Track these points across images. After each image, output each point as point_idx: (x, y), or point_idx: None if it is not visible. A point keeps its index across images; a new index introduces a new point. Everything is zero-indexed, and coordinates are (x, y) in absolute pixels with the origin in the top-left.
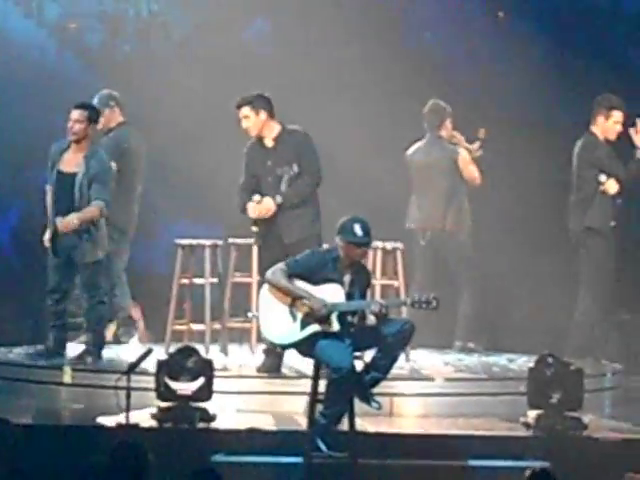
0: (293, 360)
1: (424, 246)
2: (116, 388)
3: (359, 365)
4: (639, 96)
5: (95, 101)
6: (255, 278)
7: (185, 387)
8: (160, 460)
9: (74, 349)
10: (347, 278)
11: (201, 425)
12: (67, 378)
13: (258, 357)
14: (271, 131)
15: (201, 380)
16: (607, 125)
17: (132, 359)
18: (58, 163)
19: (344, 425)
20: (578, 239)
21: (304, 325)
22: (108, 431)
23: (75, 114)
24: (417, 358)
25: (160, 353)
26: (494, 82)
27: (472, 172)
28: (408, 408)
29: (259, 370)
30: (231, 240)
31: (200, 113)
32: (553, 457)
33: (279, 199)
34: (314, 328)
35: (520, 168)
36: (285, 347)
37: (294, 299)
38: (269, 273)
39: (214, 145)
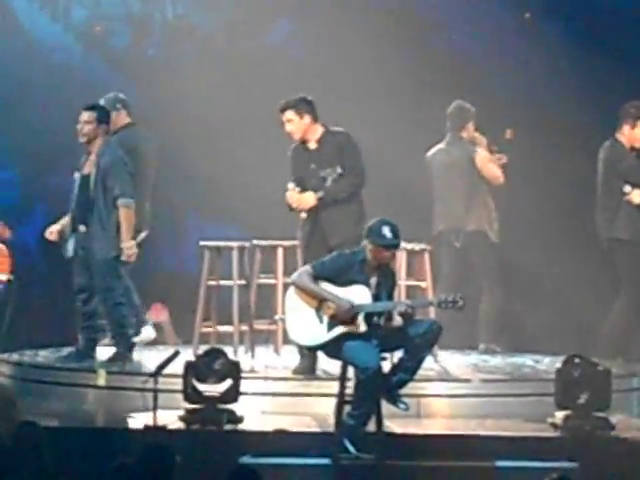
0: (320, 362)
1: (450, 247)
2: (143, 390)
3: (386, 366)
4: None
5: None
6: (280, 280)
7: (212, 389)
8: (187, 462)
9: (104, 352)
10: (374, 280)
11: (228, 427)
12: (102, 381)
13: (284, 359)
14: (314, 134)
15: (228, 382)
16: (634, 134)
17: (159, 361)
18: (81, 169)
19: (372, 426)
20: (608, 246)
21: (331, 327)
22: (136, 433)
23: (84, 116)
24: (443, 359)
25: (187, 355)
26: (521, 83)
27: (492, 171)
28: (435, 409)
29: (295, 372)
30: (255, 242)
31: (226, 114)
32: (581, 458)
33: (320, 194)
34: (341, 330)
35: (547, 168)
36: (312, 349)
37: (320, 301)
38: (295, 275)
39: (240, 147)
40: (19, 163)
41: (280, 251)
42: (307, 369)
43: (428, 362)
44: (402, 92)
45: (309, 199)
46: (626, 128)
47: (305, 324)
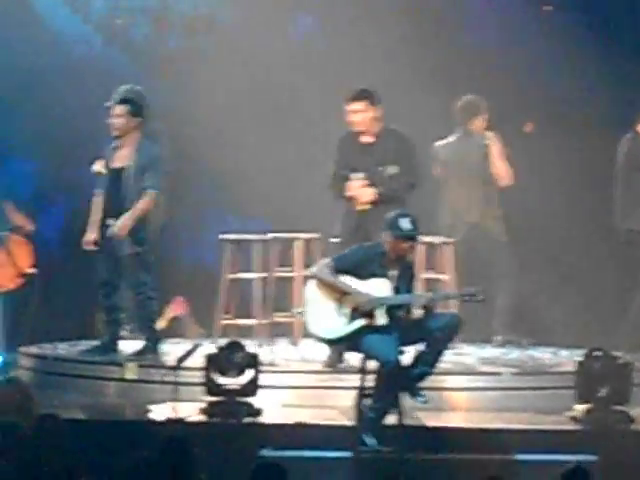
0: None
1: (459, 241)
2: (164, 383)
3: (406, 359)
4: None
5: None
6: (299, 273)
7: (232, 382)
8: (208, 454)
9: (129, 345)
10: (394, 273)
11: (248, 420)
12: (130, 374)
13: (303, 351)
14: (374, 127)
15: (248, 375)
16: None
17: (180, 354)
18: (110, 162)
19: (392, 419)
20: (627, 239)
21: (351, 320)
22: (156, 426)
23: (116, 110)
24: (463, 352)
25: (207, 348)
26: (539, 77)
27: (501, 168)
28: (455, 402)
29: (325, 365)
30: (271, 235)
31: (245, 108)
32: (601, 451)
33: (380, 189)
34: (361, 322)
35: (566, 162)
36: (332, 342)
37: (341, 294)
38: (316, 268)
39: (260, 140)
40: (39, 155)
41: (298, 244)
42: (338, 360)
43: (448, 355)
44: (420, 88)
45: (369, 192)
46: None
47: (325, 317)
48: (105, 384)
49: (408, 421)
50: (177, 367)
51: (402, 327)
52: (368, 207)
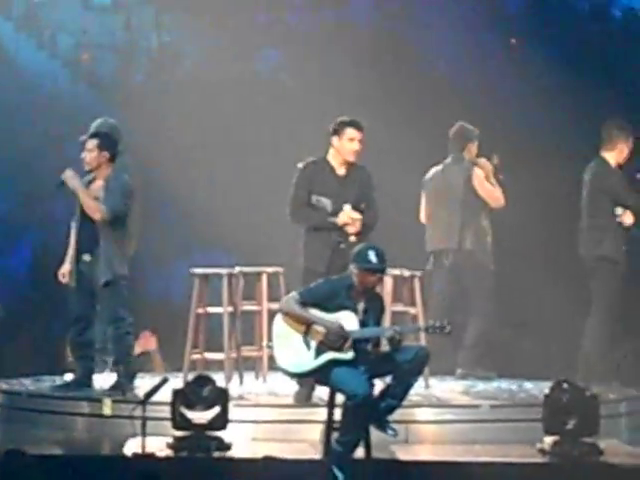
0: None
1: (446, 269)
2: (132, 418)
3: (375, 393)
4: None
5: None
6: (265, 306)
7: (201, 416)
8: None
9: (103, 380)
10: (361, 306)
11: (217, 454)
12: (107, 410)
13: (270, 385)
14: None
15: (216, 409)
16: (625, 152)
17: (148, 389)
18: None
19: (360, 453)
20: (591, 266)
21: (319, 353)
22: (125, 460)
23: (88, 144)
24: (432, 385)
25: (176, 382)
26: (507, 107)
27: (489, 191)
28: (424, 435)
29: (295, 399)
30: (239, 269)
31: (212, 142)
32: None
33: (364, 217)
34: (329, 356)
35: (534, 192)
36: (300, 376)
37: (308, 326)
38: (283, 301)
39: (227, 173)
40: (6, 191)
41: (264, 277)
42: (306, 396)
43: (417, 388)
44: (389, 119)
45: (359, 218)
46: (620, 146)
47: (293, 351)
48: (73, 419)
49: (377, 454)
50: (145, 402)
51: (370, 360)
52: (354, 239)
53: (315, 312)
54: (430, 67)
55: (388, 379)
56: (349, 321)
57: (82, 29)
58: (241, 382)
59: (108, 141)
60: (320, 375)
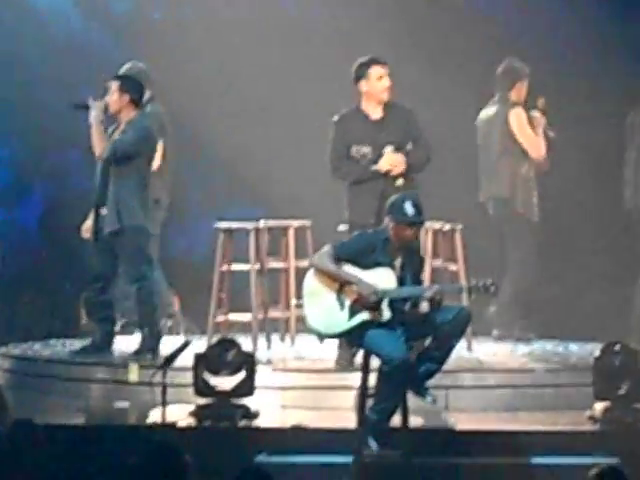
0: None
1: (492, 218)
2: (151, 384)
3: (412, 356)
4: None
5: None
6: (292, 263)
7: (225, 382)
8: (199, 461)
9: (127, 343)
10: (398, 261)
11: (243, 423)
12: (133, 376)
13: (299, 348)
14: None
15: (242, 374)
16: None
17: (168, 352)
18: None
19: (397, 421)
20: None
21: (353, 313)
22: (143, 431)
23: (111, 86)
24: (473, 347)
25: (200, 346)
26: (554, 48)
27: (530, 138)
28: (465, 402)
29: (336, 364)
30: (263, 222)
31: (237, 86)
32: (622, 452)
33: (407, 158)
34: (363, 316)
35: (583, 140)
36: (333, 337)
37: (342, 285)
38: (315, 257)
39: (252, 121)
40: (14, 140)
41: (291, 232)
42: (349, 360)
43: (458, 350)
44: (427, 59)
45: (400, 158)
46: None
47: (325, 310)
48: (90, 386)
49: (414, 423)
50: (165, 367)
51: (408, 321)
52: (400, 182)
53: (349, 269)
54: (472, 5)
55: (427, 341)
56: (386, 278)
57: None
58: (269, 346)
59: (130, 84)
60: (354, 337)
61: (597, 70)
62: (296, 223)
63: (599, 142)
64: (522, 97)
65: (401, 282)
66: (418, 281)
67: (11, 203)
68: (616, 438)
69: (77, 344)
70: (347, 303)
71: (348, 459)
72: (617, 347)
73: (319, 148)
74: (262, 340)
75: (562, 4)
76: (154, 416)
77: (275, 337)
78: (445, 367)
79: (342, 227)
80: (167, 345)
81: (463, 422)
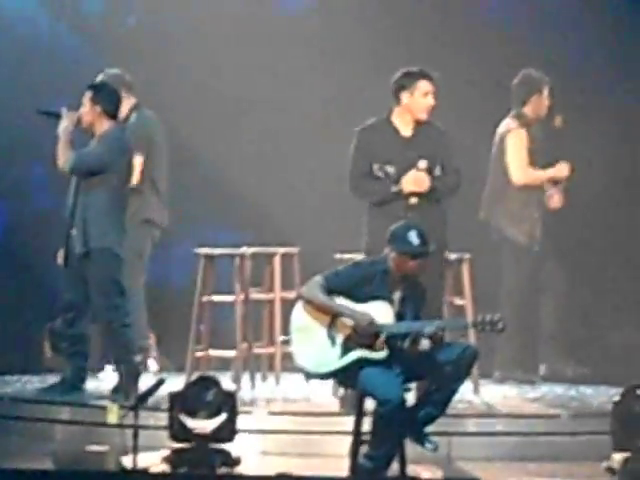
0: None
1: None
2: (122, 426)
3: (411, 399)
4: None
5: None
6: (278, 294)
7: (204, 425)
8: None
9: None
10: (397, 295)
11: (222, 471)
12: (113, 417)
13: (285, 388)
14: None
15: (222, 417)
16: None
17: (141, 391)
18: None
19: (394, 470)
20: None
21: (345, 350)
22: (112, 477)
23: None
24: (484, 391)
25: (175, 384)
26: (569, 57)
27: (516, 162)
28: (470, 450)
29: (340, 406)
30: (244, 249)
31: (221, 97)
32: None
33: (436, 182)
34: (357, 354)
35: (605, 158)
36: (323, 377)
37: (333, 317)
38: (304, 288)
39: (233, 135)
40: None
41: (277, 259)
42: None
43: (462, 393)
44: (438, 65)
45: (424, 178)
46: None
47: (315, 347)
48: (56, 428)
49: (413, 473)
50: (137, 407)
51: (406, 360)
52: (414, 201)
53: (343, 302)
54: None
55: (428, 383)
56: (383, 313)
57: None
58: (253, 385)
59: (102, 94)
60: (346, 376)
61: (622, 85)
62: (282, 250)
63: (627, 163)
64: (540, 112)
65: (400, 318)
66: (418, 317)
67: None
68: None
69: (39, 380)
70: (339, 339)
71: None
72: (639, 391)
73: (308, 167)
74: (245, 379)
75: (582, 17)
76: (125, 461)
77: (257, 375)
78: (448, 411)
79: (338, 255)
80: (141, 383)
81: (466, 473)
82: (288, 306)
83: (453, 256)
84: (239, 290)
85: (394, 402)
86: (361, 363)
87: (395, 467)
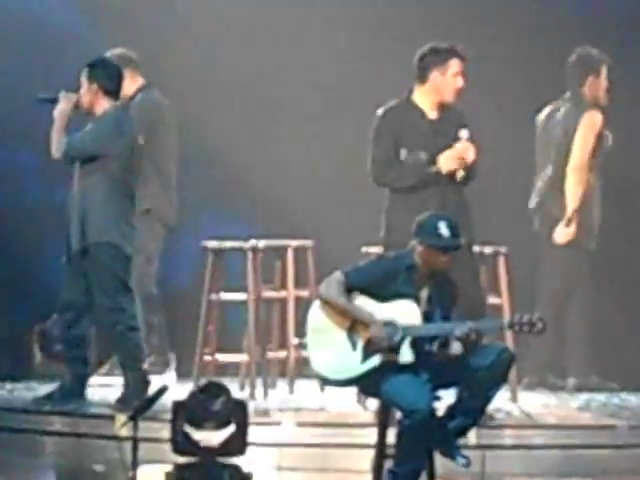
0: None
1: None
2: (119, 438)
3: (441, 408)
4: None
5: None
6: (292, 293)
7: (210, 437)
8: None
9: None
10: (425, 293)
11: None
12: (121, 429)
13: (300, 397)
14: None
15: (231, 428)
16: None
17: (141, 400)
18: None
19: None
20: None
21: (367, 355)
22: None
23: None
24: (523, 398)
25: (179, 391)
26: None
27: (583, 147)
28: (506, 465)
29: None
30: (253, 242)
31: (231, 84)
32: None
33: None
34: (380, 359)
35: None
36: (343, 384)
37: (354, 321)
38: (322, 287)
39: (247, 121)
40: None
41: (290, 253)
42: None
43: (498, 402)
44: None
45: (471, 149)
46: None
47: (334, 351)
48: (52, 440)
49: None
50: (136, 417)
51: (435, 365)
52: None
53: (364, 301)
54: None
55: (459, 390)
56: (408, 313)
57: None
58: (265, 393)
59: (100, 71)
60: (369, 384)
61: None
62: (295, 243)
63: None
64: (599, 95)
65: (427, 318)
66: (448, 317)
67: None
68: None
69: (26, 388)
70: (360, 343)
71: None
72: None
73: (322, 152)
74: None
75: None
76: (123, 477)
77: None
78: (481, 421)
79: (372, 249)
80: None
81: None
82: (302, 305)
83: (487, 250)
84: (253, 287)
85: (422, 412)
86: (385, 369)
87: None
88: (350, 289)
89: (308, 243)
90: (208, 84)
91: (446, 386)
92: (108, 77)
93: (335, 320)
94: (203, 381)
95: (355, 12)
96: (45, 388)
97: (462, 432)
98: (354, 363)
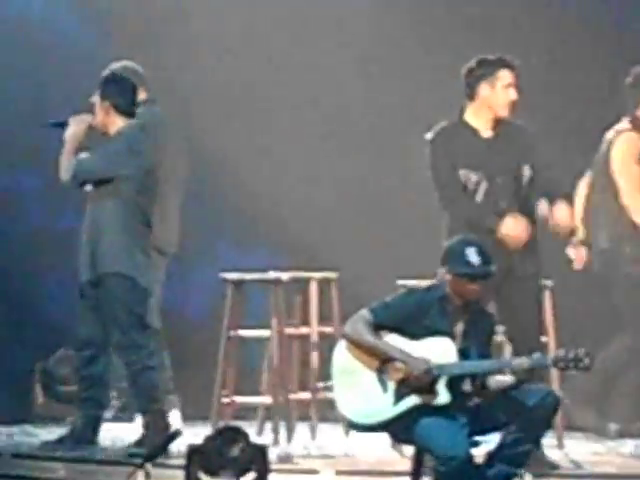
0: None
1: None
2: None
3: (479, 455)
4: None
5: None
6: (315, 329)
7: None
8: None
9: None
10: (459, 328)
11: None
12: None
13: (324, 442)
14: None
15: (251, 476)
16: None
17: (152, 445)
18: None
19: None
20: None
21: (399, 397)
22: None
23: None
24: (570, 446)
25: (193, 436)
26: None
27: (621, 172)
28: None
29: None
30: (276, 274)
31: (250, 104)
32: None
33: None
34: (413, 401)
35: None
36: (371, 429)
37: (384, 361)
38: (347, 325)
39: (267, 142)
40: None
41: (314, 286)
42: None
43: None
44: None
45: (525, 224)
46: None
47: (362, 394)
48: None
49: None
50: (147, 464)
51: (472, 408)
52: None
53: (394, 339)
54: None
55: (499, 435)
56: (443, 351)
57: None
58: (289, 438)
59: (110, 85)
60: (401, 428)
61: None
62: (319, 275)
63: None
64: None
65: (463, 355)
66: (486, 354)
67: None
68: None
69: (24, 432)
70: (391, 385)
71: None
72: None
73: (350, 180)
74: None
75: None
76: None
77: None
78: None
79: (400, 281)
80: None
81: None
82: (325, 342)
83: None
84: (277, 324)
85: (458, 459)
86: (418, 412)
87: None
88: (378, 327)
89: (332, 275)
90: (223, 110)
91: (485, 431)
92: (119, 92)
93: (363, 360)
94: (220, 424)
95: (365, 13)
96: (45, 432)
97: None
98: (385, 406)
